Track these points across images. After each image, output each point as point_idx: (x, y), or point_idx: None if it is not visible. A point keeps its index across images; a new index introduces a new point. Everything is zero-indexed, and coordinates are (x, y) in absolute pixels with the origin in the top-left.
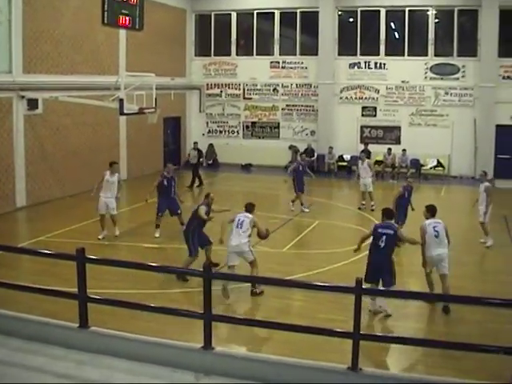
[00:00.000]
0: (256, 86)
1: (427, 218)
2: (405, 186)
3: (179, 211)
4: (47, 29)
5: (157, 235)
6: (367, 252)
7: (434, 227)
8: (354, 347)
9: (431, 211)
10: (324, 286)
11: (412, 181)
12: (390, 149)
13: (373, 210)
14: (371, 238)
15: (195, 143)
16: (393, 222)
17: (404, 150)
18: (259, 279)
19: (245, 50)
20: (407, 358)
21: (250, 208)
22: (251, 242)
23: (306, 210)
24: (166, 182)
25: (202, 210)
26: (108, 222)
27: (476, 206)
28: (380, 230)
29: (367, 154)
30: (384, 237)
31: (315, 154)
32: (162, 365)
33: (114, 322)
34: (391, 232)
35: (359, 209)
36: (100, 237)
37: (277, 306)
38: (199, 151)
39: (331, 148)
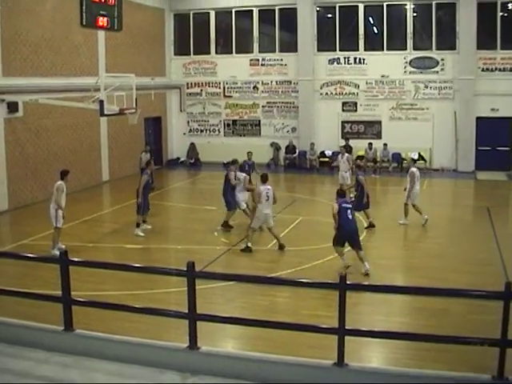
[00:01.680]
0: (236, 84)
1: (262, 184)
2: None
3: (149, 207)
4: (25, 32)
5: (148, 227)
6: None
7: (266, 192)
8: (339, 343)
9: (264, 178)
10: (309, 283)
11: (356, 169)
12: (370, 143)
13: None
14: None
15: (147, 146)
16: (345, 199)
17: (385, 145)
18: (244, 277)
19: (224, 48)
20: (392, 352)
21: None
22: (245, 197)
23: None
24: (150, 181)
25: (232, 175)
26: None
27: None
28: (344, 205)
29: (348, 149)
30: (349, 210)
31: (297, 151)
32: (147, 365)
33: (98, 324)
34: (350, 205)
35: None
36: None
37: (262, 303)
38: (152, 155)
39: (313, 144)
